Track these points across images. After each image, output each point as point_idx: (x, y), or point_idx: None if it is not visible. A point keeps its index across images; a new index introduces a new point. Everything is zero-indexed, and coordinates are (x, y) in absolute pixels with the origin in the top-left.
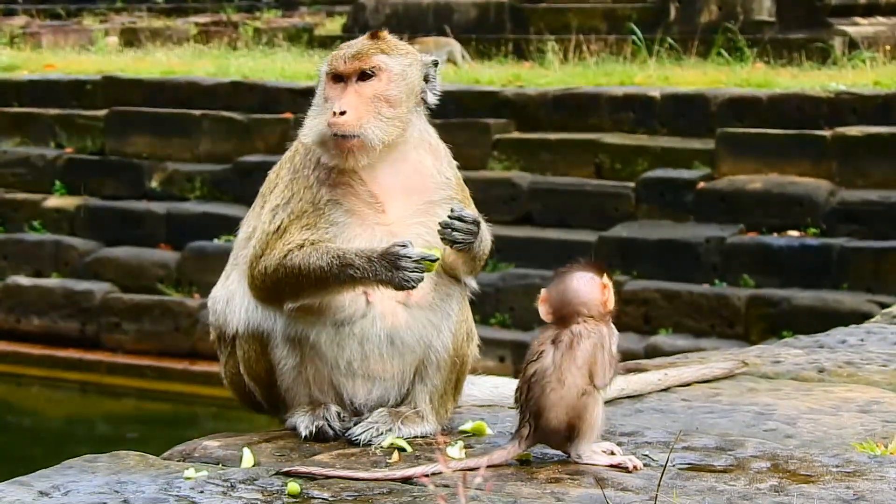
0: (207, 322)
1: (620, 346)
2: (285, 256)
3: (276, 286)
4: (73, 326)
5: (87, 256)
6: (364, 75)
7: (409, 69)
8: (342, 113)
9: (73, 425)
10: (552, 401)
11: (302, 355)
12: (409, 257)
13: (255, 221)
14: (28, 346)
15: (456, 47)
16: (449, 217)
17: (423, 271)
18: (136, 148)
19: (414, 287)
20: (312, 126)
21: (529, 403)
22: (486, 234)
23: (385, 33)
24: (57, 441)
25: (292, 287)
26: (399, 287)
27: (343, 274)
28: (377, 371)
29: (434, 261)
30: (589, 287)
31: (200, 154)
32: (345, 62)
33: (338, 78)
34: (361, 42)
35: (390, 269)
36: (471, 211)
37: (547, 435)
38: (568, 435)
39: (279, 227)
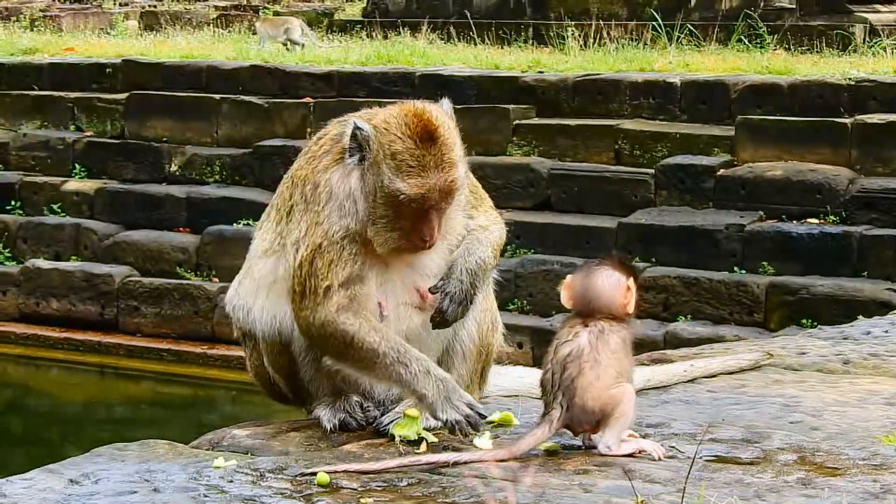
0: (225, 308)
1: (639, 334)
2: (337, 312)
3: (323, 342)
4: (93, 310)
5: (106, 240)
6: None
7: (462, 151)
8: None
9: (92, 408)
10: (589, 380)
11: (321, 354)
12: (472, 406)
13: (271, 235)
14: (47, 329)
15: (294, 24)
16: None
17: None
18: (155, 132)
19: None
20: (386, 239)
21: (564, 383)
22: (495, 237)
23: (435, 122)
24: (75, 424)
25: (338, 351)
26: (452, 424)
27: (393, 369)
28: None
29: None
30: (613, 288)
31: (220, 138)
32: (437, 197)
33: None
34: (436, 160)
35: (446, 398)
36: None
37: (578, 417)
38: (599, 420)
39: (303, 261)
